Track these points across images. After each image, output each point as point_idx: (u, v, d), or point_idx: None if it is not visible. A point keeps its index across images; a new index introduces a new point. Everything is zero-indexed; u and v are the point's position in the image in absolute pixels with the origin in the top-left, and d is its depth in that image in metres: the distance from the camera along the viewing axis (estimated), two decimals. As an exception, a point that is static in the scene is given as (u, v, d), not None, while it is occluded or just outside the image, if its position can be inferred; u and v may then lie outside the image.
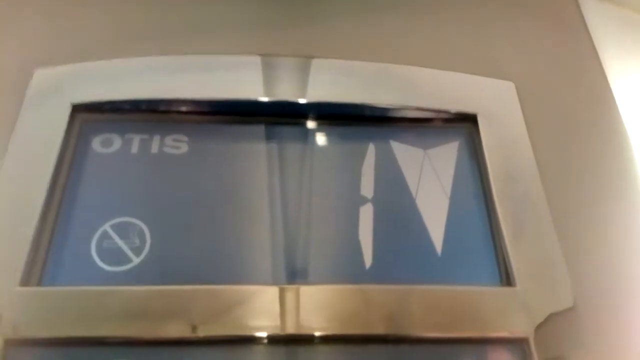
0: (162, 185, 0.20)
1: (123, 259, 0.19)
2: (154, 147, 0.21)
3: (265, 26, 0.24)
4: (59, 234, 0.19)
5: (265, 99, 0.21)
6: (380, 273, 0.19)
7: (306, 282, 0.18)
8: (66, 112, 0.20)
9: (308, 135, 0.22)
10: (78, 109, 0.21)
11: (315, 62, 0.22)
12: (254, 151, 0.21)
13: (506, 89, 0.23)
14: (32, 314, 0.17)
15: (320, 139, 0.22)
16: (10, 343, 0.16)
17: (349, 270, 0.19)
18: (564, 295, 0.18)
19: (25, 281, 0.17)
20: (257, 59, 0.22)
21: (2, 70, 0.22)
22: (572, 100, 0.23)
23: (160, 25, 0.24)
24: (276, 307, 0.17)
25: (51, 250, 0.18)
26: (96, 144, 0.21)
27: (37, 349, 0.16)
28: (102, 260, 0.18)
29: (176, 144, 0.21)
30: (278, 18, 0.24)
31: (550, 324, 0.18)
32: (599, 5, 0.29)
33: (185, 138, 0.21)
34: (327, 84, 0.22)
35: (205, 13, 0.24)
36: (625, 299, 0.19)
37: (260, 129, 0.22)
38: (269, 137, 0.21)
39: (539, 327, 0.17)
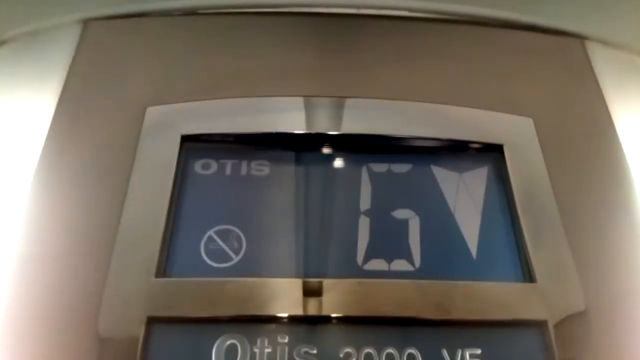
0: (251, 200, 0.25)
1: (226, 257, 0.24)
2: (243, 170, 0.26)
3: (313, 72, 0.29)
4: (177, 238, 0.24)
5: (327, 132, 0.27)
6: (427, 272, 0.24)
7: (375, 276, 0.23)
8: (177, 142, 0.26)
9: (362, 162, 0.27)
10: (185, 139, 0.26)
11: (352, 101, 0.28)
12: (317, 175, 0.26)
13: (526, 123, 0.28)
14: (165, 298, 0.22)
15: (372, 165, 0.27)
16: (152, 320, 0.21)
17: (401, 269, 0.24)
18: (576, 297, 0.22)
19: (158, 273, 0.22)
20: (305, 99, 0.27)
21: (120, 107, 0.28)
22: (580, 133, 0.28)
23: (240, 71, 0.29)
24: (358, 293, 0.22)
25: (172, 250, 0.23)
26: (198, 167, 0.26)
27: (170, 325, 0.21)
28: (210, 258, 0.24)
29: (260, 168, 0.26)
30: (325, 65, 0.30)
31: (564, 326, 0.22)
32: (603, 50, 0.34)
33: (267, 163, 0.26)
34: (369, 118, 0.27)
35: (272, 61, 0.30)
36: (633, 305, 0.23)
37: (320, 156, 0.27)
38: (324, 163, 0.27)
39: (555, 326, 0.22)
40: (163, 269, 0.23)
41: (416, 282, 0.23)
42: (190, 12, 0.32)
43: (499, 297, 0.22)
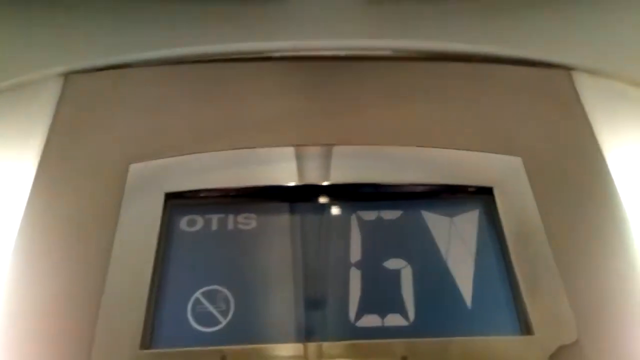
0: (238, 256, 0.25)
1: (213, 321, 0.23)
2: (230, 225, 0.26)
3: (300, 119, 0.29)
4: (162, 303, 0.23)
5: (315, 183, 0.26)
6: (422, 327, 0.23)
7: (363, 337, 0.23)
8: (160, 199, 0.25)
9: (351, 211, 0.26)
10: (169, 197, 0.25)
11: (340, 149, 0.27)
12: (306, 227, 0.26)
13: (515, 163, 0.27)
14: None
15: (361, 213, 0.26)
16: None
17: (395, 325, 0.23)
18: (570, 332, 0.22)
19: (143, 345, 0.22)
20: (292, 150, 0.27)
21: (103, 165, 0.27)
22: (570, 170, 0.28)
23: (225, 121, 0.29)
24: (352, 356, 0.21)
25: (158, 318, 0.23)
26: (183, 224, 0.26)
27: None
28: (197, 322, 0.23)
29: (246, 221, 0.26)
30: (312, 110, 0.29)
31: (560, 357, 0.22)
32: (590, 79, 0.33)
33: (254, 216, 0.26)
34: (357, 166, 0.27)
35: (257, 109, 0.29)
36: (621, 334, 0.23)
37: (308, 207, 0.26)
38: (313, 215, 0.26)
39: None
40: (148, 340, 0.22)
41: (411, 341, 0.22)
42: (173, 62, 0.31)
43: (496, 353, 0.22)
